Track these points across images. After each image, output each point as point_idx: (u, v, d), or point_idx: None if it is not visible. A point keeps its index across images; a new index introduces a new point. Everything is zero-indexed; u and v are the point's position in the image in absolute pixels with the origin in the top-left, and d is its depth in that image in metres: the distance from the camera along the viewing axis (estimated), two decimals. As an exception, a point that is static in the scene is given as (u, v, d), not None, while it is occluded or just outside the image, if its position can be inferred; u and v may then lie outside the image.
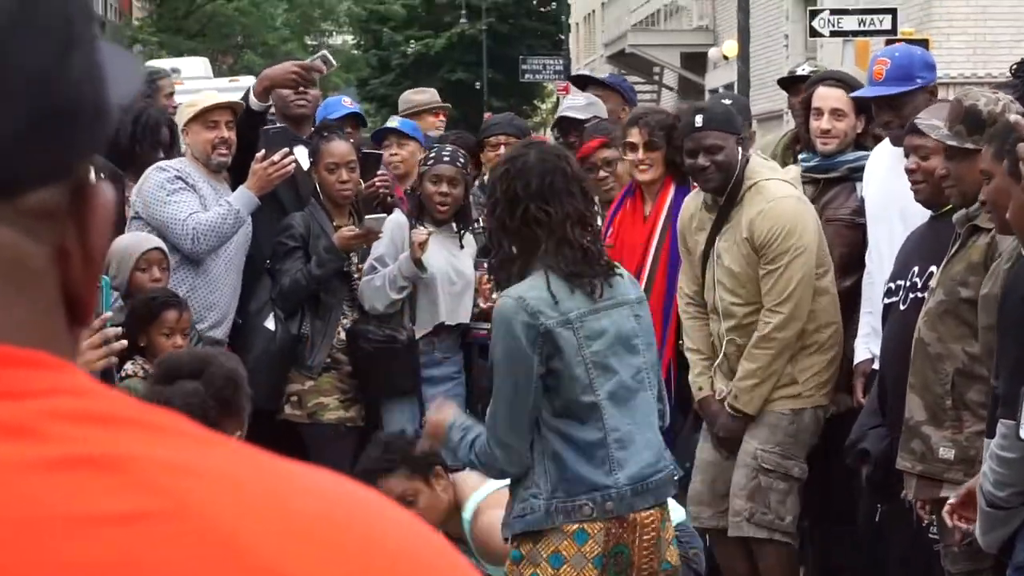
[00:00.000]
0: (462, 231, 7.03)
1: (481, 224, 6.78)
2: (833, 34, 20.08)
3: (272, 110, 7.40)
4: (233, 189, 6.84)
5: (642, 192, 6.82)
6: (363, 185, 7.28)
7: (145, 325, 5.78)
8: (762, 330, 6.16)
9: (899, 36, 18.09)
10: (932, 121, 5.37)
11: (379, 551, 0.83)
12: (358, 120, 8.35)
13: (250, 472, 0.84)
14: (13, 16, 0.85)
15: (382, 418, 6.94)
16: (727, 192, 6.21)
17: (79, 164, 0.90)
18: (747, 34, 25.84)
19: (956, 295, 5.17)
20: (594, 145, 7.20)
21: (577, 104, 8.21)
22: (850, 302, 6.31)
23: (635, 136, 6.72)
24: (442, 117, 9.71)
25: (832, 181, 6.62)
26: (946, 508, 4.84)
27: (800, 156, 6.85)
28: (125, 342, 4.47)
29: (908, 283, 5.58)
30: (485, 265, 6.07)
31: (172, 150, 7.44)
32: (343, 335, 6.87)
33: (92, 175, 0.92)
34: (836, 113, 6.61)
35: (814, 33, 20.54)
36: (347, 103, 8.31)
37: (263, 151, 6.80)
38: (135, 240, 6.36)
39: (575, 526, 4.52)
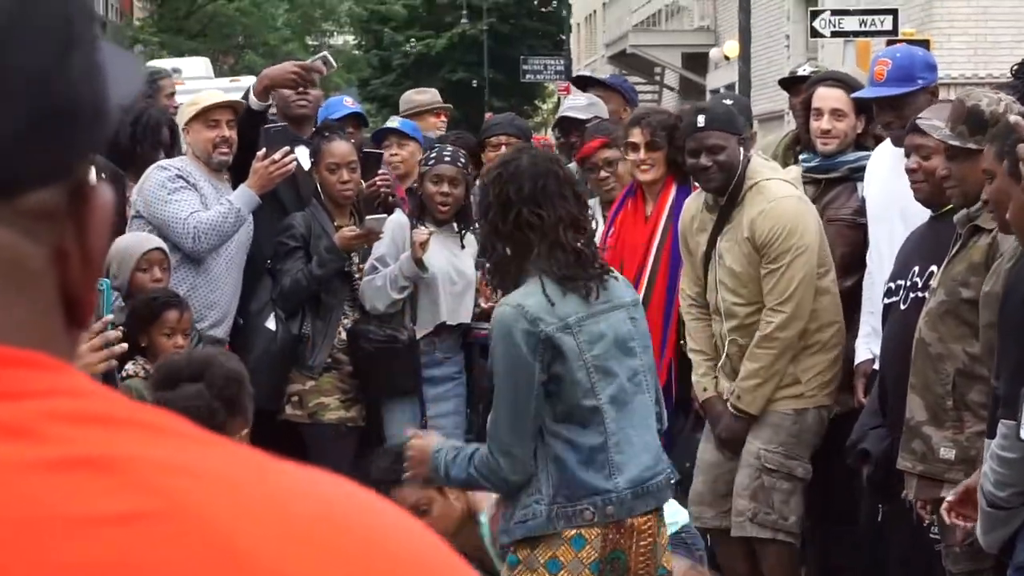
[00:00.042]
0: (463, 231, 7.03)
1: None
2: (834, 34, 20.06)
3: (273, 110, 7.40)
4: (233, 189, 6.85)
5: (643, 192, 6.82)
6: (364, 185, 7.27)
7: (146, 325, 5.78)
8: (764, 330, 6.16)
9: (900, 37, 18.08)
10: (934, 121, 5.36)
11: (379, 553, 0.83)
12: (360, 120, 8.35)
13: (248, 473, 0.84)
14: (13, 16, 0.85)
15: (383, 418, 6.94)
16: (728, 192, 6.22)
17: (78, 165, 0.90)
18: (748, 34, 25.81)
19: (957, 295, 5.17)
20: (595, 145, 7.20)
21: (578, 104, 8.21)
22: (851, 302, 6.31)
23: (637, 136, 6.72)
24: (443, 117, 9.71)
25: (833, 181, 6.62)
26: (944, 505, 4.84)
27: (801, 156, 6.85)
28: (126, 345, 4.47)
29: (908, 283, 5.57)
30: (487, 266, 6.07)
31: (173, 150, 7.44)
32: (344, 335, 6.87)
33: (92, 176, 0.92)
34: (836, 113, 6.61)
35: (815, 34, 20.52)
36: (348, 103, 8.30)
37: (264, 150, 6.80)
38: (136, 240, 6.36)
39: (573, 531, 4.52)
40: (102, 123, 0.90)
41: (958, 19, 24.81)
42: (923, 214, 5.69)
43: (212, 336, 6.58)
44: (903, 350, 5.35)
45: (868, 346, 6.17)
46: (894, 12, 19.81)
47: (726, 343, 6.25)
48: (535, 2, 57.92)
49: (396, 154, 8.06)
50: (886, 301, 5.73)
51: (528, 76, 48.59)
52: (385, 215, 7.02)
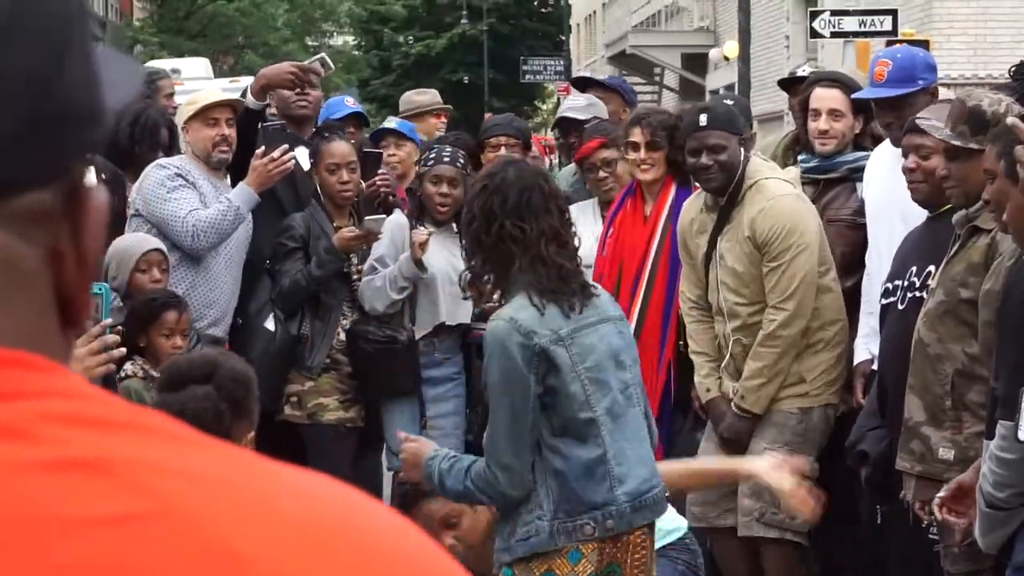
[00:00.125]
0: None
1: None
2: (834, 35, 20.06)
3: (273, 110, 7.40)
4: (232, 188, 6.85)
5: (643, 192, 6.81)
6: (364, 185, 7.27)
7: (145, 326, 5.78)
8: (767, 328, 6.16)
9: (900, 37, 18.08)
10: (933, 121, 5.36)
11: (373, 554, 0.83)
12: (361, 120, 8.35)
13: (242, 475, 0.84)
14: (12, 16, 0.85)
15: (382, 419, 6.94)
16: (728, 192, 6.22)
17: (73, 166, 0.90)
18: (748, 35, 25.83)
19: (956, 296, 5.17)
20: (594, 145, 7.20)
21: (577, 105, 8.22)
22: (851, 303, 6.31)
23: (637, 135, 6.72)
24: (443, 118, 9.71)
25: (832, 181, 6.62)
26: (935, 501, 4.84)
27: (800, 157, 6.85)
28: (124, 349, 4.46)
29: (906, 283, 5.57)
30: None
31: (171, 151, 7.43)
32: (343, 336, 6.87)
33: (88, 177, 0.92)
34: (833, 113, 6.61)
35: (815, 34, 20.52)
36: (350, 103, 8.30)
37: (263, 148, 6.80)
38: (135, 241, 6.36)
39: (571, 545, 4.52)
40: (99, 124, 0.90)
41: (958, 19, 24.81)
42: (923, 215, 5.70)
43: (211, 335, 6.58)
44: (901, 350, 5.35)
45: (867, 346, 6.17)
46: (894, 12, 19.81)
47: (730, 343, 6.25)
48: (535, 3, 57.92)
49: (394, 154, 8.06)
50: (883, 301, 5.72)
51: (528, 77, 48.58)
52: (384, 216, 7.02)
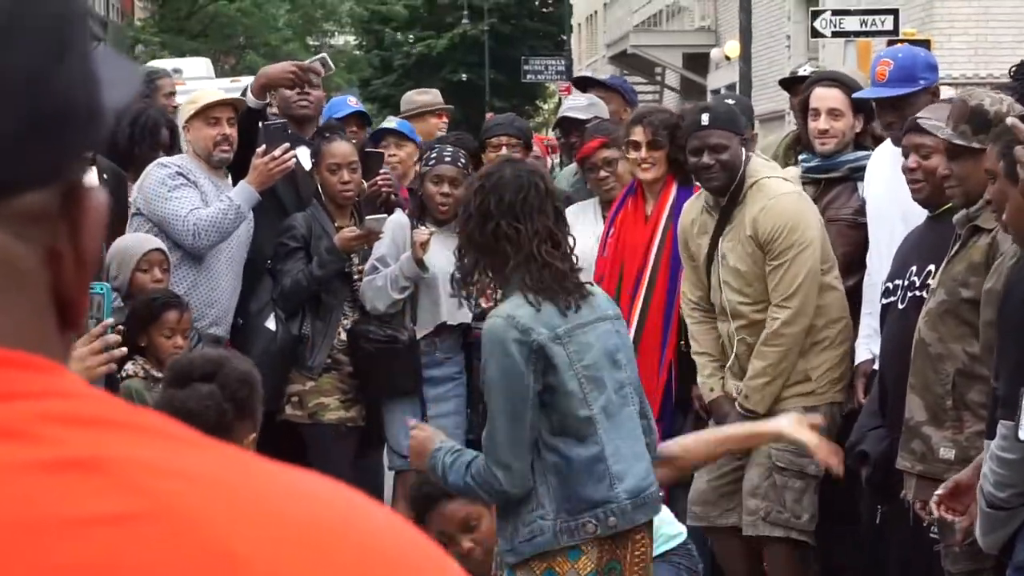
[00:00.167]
0: (463, 231, 7.02)
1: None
2: (835, 35, 20.05)
3: (274, 110, 7.40)
4: (234, 187, 6.85)
5: (643, 192, 6.81)
6: (365, 185, 7.27)
7: (146, 325, 5.79)
8: (771, 326, 6.15)
9: (901, 37, 18.07)
10: (935, 120, 5.36)
11: (372, 554, 0.83)
12: (363, 119, 8.35)
13: (239, 476, 0.84)
14: (12, 16, 0.85)
15: (383, 419, 6.94)
16: (729, 192, 6.22)
17: (72, 166, 0.90)
18: (749, 35, 25.81)
19: (957, 295, 5.17)
20: (595, 145, 7.20)
21: (578, 104, 8.22)
22: (853, 302, 6.31)
23: (639, 135, 6.72)
24: (445, 118, 9.70)
25: (833, 181, 6.62)
26: (933, 499, 4.84)
27: (801, 157, 6.85)
28: (125, 349, 4.46)
29: (906, 282, 5.57)
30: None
31: (172, 151, 7.44)
32: (344, 335, 6.87)
33: (87, 177, 0.92)
34: (833, 113, 6.61)
35: (816, 34, 20.51)
36: (352, 102, 8.31)
37: (263, 146, 6.80)
38: (136, 241, 6.37)
39: (572, 544, 4.53)
40: (96, 126, 0.90)
41: (959, 19, 24.80)
42: (924, 215, 5.69)
43: (212, 334, 6.58)
44: (902, 350, 5.35)
45: (868, 346, 6.17)
46: (895, 12, 19.80)
47: (735, 343, 6.24)
48: (536, 2, 57.90)
49: (394, 155, 8.05)
50: (884, 301, 5.72)
51: (529, 76, 48.54)
52: (385, 215, 7.02)
